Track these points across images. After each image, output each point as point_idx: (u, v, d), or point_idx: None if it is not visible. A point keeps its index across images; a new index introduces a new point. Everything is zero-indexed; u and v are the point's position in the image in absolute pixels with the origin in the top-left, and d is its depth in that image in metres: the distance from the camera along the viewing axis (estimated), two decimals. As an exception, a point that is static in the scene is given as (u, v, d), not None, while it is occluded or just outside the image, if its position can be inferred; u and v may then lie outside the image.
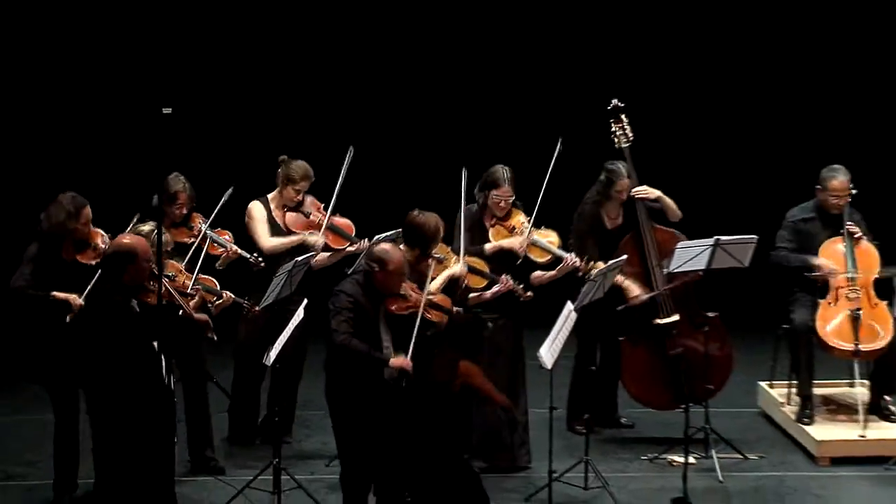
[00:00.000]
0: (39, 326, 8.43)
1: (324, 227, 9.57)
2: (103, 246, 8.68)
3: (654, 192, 9.90)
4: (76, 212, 8.71)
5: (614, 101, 10.00)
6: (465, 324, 8.44)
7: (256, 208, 9.60)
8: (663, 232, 9.88)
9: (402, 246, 8.56)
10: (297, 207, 9.66)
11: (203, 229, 9.18)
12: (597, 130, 10.10)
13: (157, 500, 8.00)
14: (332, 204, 9.59)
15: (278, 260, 9.25)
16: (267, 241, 9.45)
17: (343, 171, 9.55)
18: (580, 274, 9.36)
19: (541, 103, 13.07)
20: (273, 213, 9.66)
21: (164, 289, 7.94)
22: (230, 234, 9.49)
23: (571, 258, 9.40)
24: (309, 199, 9.69)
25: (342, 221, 9.66)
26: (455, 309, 8.53)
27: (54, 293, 8.53)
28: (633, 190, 9.87)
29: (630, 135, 9.96)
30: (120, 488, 7.65)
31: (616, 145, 9.96)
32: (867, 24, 13.31)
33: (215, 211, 9.40)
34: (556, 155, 9.38)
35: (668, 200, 9.91)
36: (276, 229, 9.63)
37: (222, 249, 9.34)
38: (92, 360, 7.63)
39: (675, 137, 12.68)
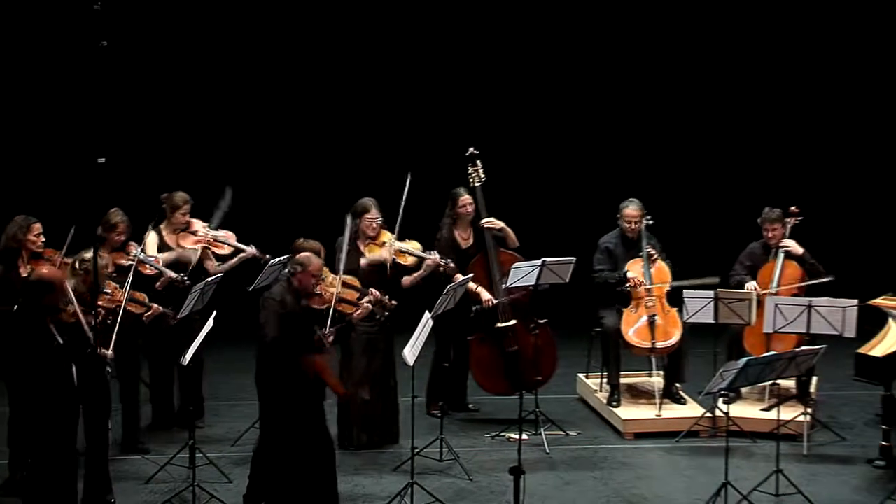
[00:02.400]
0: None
1: (222, 242, 9.86)
2: (57, 259, 8.94)
3: (499, 224, 10.29)
4: (27, 226, 9.02)
5: (471, 149, 10.39)
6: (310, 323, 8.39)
7: (150, 238, 9.84)
8: (506, 254, 10.30)
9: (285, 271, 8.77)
10: (186, 229, 9.94)
11: (136, 254, 9.44)
12: (455, 171, 10.50)
13: (91, 476, 8.41)
14: (216, 222, 9.91)
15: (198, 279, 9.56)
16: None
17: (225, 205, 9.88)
18: (441, 270, 9.70)
19: (405, 148, 13.14)
20: (165, 239, 9.93)
21: (74, 309, 7.87)
22: (156, 257, 9.69)
23: (432, 256, 9.74)
24: (196, 221, 9.98)
25: (223, 233, 9.98)
26: (364, 301, 8.94)
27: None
28: (483, 221, 10.25)
29: (483, 176, 10.36)
30: (50, 471, 7.71)
31: (471, 184, 10.34)
32: (663, 79, 13.75)
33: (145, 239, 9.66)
34: (406, 186, 9.56)
35: (509, 230, 10.31)
36: (169, 250, 9.87)
37: (154, 270, 9.53)
38: (12, 365, 7.84)
39: (516, 180, 12.86)
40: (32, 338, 7.67)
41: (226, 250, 10.02)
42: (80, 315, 7.90)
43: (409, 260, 9.78)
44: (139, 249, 9.53)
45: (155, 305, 9.20)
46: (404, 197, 9.61)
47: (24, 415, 7.83)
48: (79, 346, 7.87)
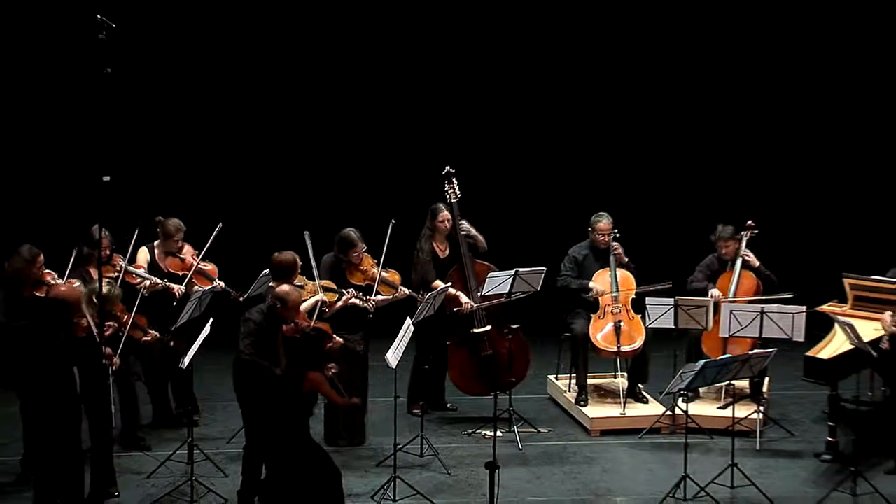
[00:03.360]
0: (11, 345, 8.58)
1: (193, 270, 10.00)
2: (52, 282, 9.08)
3: (473, 230, 10.49)
4: (32, 259, 9.16)
5: (447, 167, 10.56)
6: (310, 340, 8.55)
7: (141, 252, 10.03)
8: (480, 265, 10.48)
9: (271, 283, 8.97)
10: (177, 254, 10.12)
11: (122, 265, 9.68)
12: (433, 188, 10.68)
13: (95, 472, 8.60)
14: (203, 252, 10.05)
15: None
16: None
17: (212, 238, 9.96)
18: (418, 301, 9.83)
19: (388, 168, 13.38)
20: (157, 258, 10.11)
21: (87, 322, 8.16)
22: (144, 267, 9.91)
23: (407, 291, 10.01)
24: (187, 248, 10.14)
25: (209, 267, 10.18)
26: (340, 305, 9.12)
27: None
28: (459, 223, 10.40)
29: (458, 192, 10.54)
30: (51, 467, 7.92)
31: (448, 200, 10.51)
32: (623, 99, 13.68)
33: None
34: (389, 231, 9.75)
35: (479, 236, 10.52)
36: (158, 270, 10.06)
37: (140, 279, 9.69)
38: (24, 371, 8.03)
39: (490, 196, 12.66)
40: (41, 349, 7.83)
41: (204, 283, 10.10)
42: (93, 327, 8.12)
43: (390, 292, 9.97)
44: (124, 261, 9.65)
45: (153, 332, 9.41)
46: (387, 240, 9.77)
47: (34, 418, 8.04)
48: (82, 352, 8.02)
